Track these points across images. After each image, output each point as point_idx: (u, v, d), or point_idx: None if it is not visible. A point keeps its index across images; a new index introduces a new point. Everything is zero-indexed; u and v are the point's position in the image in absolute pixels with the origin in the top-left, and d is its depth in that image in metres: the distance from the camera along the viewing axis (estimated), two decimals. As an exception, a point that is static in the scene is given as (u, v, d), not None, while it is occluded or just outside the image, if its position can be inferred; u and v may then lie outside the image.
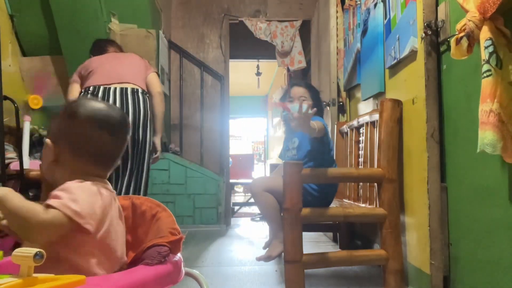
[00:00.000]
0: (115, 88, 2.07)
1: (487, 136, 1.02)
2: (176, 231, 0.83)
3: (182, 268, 0.84)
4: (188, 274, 0.91)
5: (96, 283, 0.62)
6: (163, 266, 0.76)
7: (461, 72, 1.41)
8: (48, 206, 0.67)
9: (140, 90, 2.13)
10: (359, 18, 2.50)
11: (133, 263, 0.80)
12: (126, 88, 2.09)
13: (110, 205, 0.78)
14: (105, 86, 2.08)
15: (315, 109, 1.59)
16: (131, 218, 0.91)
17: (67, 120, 0.81)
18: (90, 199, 0.73)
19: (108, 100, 2.04)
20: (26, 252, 0.57)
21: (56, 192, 0.71)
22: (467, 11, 1.12)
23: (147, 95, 2.18)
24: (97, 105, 0.84)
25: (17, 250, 0.58)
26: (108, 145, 0.82)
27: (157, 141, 2.26)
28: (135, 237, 0.90)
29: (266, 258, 1.94)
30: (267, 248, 2.03)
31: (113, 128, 0.83)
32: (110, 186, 0.83)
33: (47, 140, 0.80)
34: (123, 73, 2.15)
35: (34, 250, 0.57)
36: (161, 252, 0.77)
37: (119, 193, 2.03)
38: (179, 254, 0.84)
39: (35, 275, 0.58)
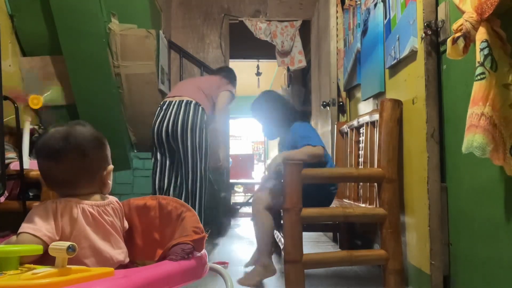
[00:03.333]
0: (175, 101, 2.48)
1: (476, 139, 1.02)
2: (200, 229, 0.89)
3: (207, 263, 0.90)
4: (212, 270, 0.97)
5: (123, 275, 0.67)
6: (187, 261, 0.82)
7: (461, 72, 1.41)
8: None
9: (193, 102, 2.46)
10: (359, 18, 2.50)
11: (160, 261, 0.86)
12: (182, 101, 2.46)
13: (70, 214, 0.86)
14: (170, 99, 2.52)
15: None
16: (158, 218, 0.98)
17: None
18: (45, 215, 0.84)
19: (168, 109, 2.47)
20: (60, 245, 0.65)
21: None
22: (463, 12, 1.12)
23: (201, 106, 2.47)
24: (43, 138, 0.92)
25: (53, 244, 0.66)
26: (53, 170, 0.91)
27: (219, 152, 2.62)
28: (163, 236, 0.97)
29: (250, 286, 1.87)
30: (253, 270, 1.97)
31: (52, 154, 0.90)
32: (93, 198, 0.92)
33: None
34: (185, 89, 2.57)
35: (67, 243, 0.65)
36: (185, 249, 0.83)
37: (168, 187, 2.46)
38: (204, 251, 0.90)
39: (68, 266, 0.65)
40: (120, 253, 0.92)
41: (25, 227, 0.82)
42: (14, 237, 0.84)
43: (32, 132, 2.72)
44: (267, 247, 1.95)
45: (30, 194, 2.32)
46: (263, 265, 1.92)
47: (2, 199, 2.15)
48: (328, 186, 2.12)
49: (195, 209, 2.30)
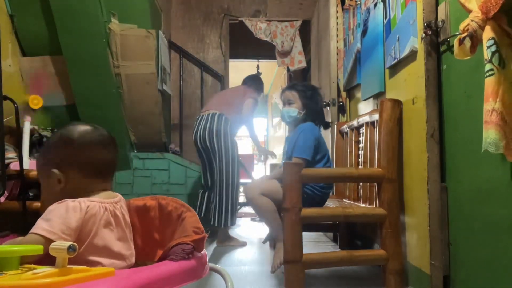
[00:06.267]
0: (205, 115, 3.01)
1: (489, 135, 1.02)
2: (200, 230, 0.89)
3: (207, 264, 0.90)
4: (213, 270, 0.97)
5: (124, 275, 0.67)
6: (187, 261, 0.81)
7: (461, 71, 1.41)
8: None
9: (217, 113, 2.97)
10: (359, 18, 2.50)
11: (160, 261, 0.86)
12: (209, 114, 2.99)
13: (96, 214, 0.85)
14: (203, 114, 3.06)
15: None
16: (158, 218, 0.98)
17: (70, 148, 0.91)
18: (64, 215, 0.81)
19: (201, 122, 3.00)
20: (60, 245, 0.64)
21: (39, 219, 0.81)
22: (469, 11, 1.11)
23: (224, 115, 2.96)
24: (96, 129, 0.94)
25: (53, 244, 0.65)
26: (105, 159, 0.93)
27: (257, 149, 3.37)
28: (163, 237, 0.97)
29: (280, 264, 1.94)
30: (275, 254, 2.05)
31: (105, 144, 0.93)
32: (108, 195, 0.92)
33: (55, 171, 0.88)
34: (213, 104, 3.08)
35: (68, 243, 0.64)
36: (185, 249, 0.82)
37: (210, 184, 3.02)
38: (204, 251, 0.90)
39: (69, 266, 0.64)
40: (133, 254, 0.92)
41: (39, 227, 0.79)
42: (19, 238, 0.80)
43: (32, 132, 2.72)
44: (278, 224, 2.02)
45: (30, 194, 2.32)
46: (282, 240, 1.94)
47: (2, 199, 2.15)
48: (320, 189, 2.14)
49: (227, 208, 2.89)
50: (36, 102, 2.92)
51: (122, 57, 3.06)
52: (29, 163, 2.42)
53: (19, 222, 2.16)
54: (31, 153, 2.65)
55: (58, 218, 0.80)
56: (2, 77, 1.90)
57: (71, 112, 3.15)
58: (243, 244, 2.91)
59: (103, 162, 0.93)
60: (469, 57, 1.16)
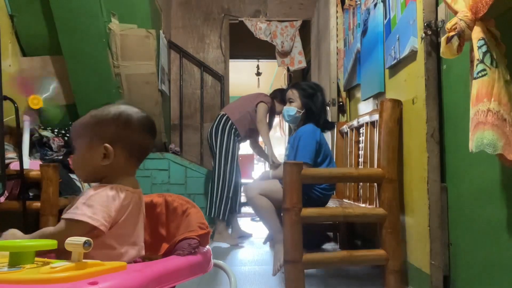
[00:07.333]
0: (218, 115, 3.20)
1: (486, 136, 1.01)
2: (204, 225, 0.91)
3: (211, 259, 0.92)
4: (216, 266, 0.98)
5: (136, 269, 0.69)
6: (194, 256, 0.84)
7: (461, 72, 1.41)
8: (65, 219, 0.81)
9: (221, 114, 3.17)
10: (359, 18, 2.50)
11: (166, 255, 0.88)
12: (218, 114, 3.20)
13: (129, 204, 0.87)
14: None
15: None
16: (164, 214, 1.01)
17: (128, 128, 0.91)
18: (106, 203, 0.82)
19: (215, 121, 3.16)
20: (76, 240, 0.65)
21: (77, 204, 0.82)
22: (455, 12, 1.11)
23: (225, 115, 3.12)
24: (143, 112, 0.95)
25: (69, 239, 0.66)
26: (149, 146, 0.96)
27: (269, 153, 3.19)
28: (168, 232, 1.00)
29: (280, 267, 1.95)
30: (274, 256, 2.05)
31: (153, 131, 0.96)
32: (135, 183, 0.93)
33: (108, 147, 0.87)
34: (226, 106, 3.37)
35: (83, 239, 0.65)
36: (191, 244, 0.85)
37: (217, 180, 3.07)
38: (208, 247, 0.92)
39: (84, 260, 0.66)
40: (143, 245, 0.94)
41: (83, 213, 0.79)
42: (53, 228, 0.81)
43: (32, 132, 2.72)
44: (276, 226, 2.04)
45: (30, 194, 2.32)
46: (281, 242, 1.93)
47: (2, 199, 2.15)
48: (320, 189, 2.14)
49: (216, 200, 3.01)
50: (36, 102, 2.92)
51: (122, 57, 3.06)
52: (29, 163, 2.42)
53: (19, 222, 2.16)
54: (31, 153, 2.65)
55: (100, 206, 0.81)
56: (2, 77, 1.90)
57: (71, 112, 3.16)
58: (236, 243, 2.94)
59: (147, 148, 0.95)
60: (455, 56, 1.16)
